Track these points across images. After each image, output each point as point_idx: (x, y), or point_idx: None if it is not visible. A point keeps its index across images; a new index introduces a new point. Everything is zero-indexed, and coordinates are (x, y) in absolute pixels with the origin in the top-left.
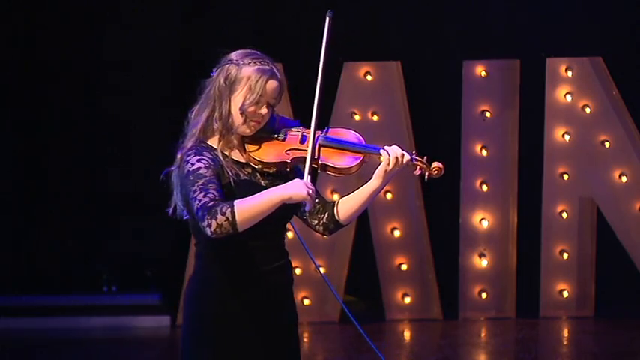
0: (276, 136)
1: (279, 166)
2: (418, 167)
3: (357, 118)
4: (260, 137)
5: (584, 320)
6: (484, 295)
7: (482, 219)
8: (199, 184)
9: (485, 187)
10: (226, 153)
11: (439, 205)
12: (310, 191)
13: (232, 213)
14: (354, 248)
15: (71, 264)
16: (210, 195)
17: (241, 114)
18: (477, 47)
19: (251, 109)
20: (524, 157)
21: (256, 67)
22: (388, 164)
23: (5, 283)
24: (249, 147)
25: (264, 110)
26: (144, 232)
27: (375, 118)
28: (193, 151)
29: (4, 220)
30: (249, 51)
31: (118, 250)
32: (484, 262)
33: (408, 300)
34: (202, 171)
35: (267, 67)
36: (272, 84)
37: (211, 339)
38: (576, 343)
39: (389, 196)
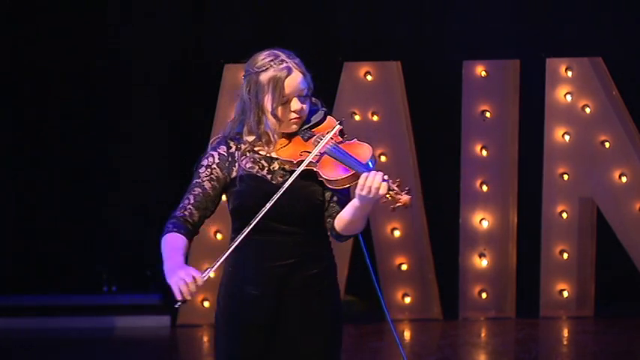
0: (302, 135)
1: (290, 165)
2: (389, 199)
3: (357, 118)
4: (294, 134)
5: (584, 320)
6: (484, 295)
7: (482, 219)
8: (192, 182)
9: (485, 187)
10: (255, 148)
11: (439, 205)
12: (182, 283)
13: (162, 237)
14: (354, 248)
15: (71, 264)
16: (185, 201)
17: (274, 117)
18: (477, 47)
19: (280, 110)
20: (524, 157)
21: (272, 69)
22: (361, 189)
23: (5, 283)
24: (280, 141)
25: (296, 106)
26: (144, 232)
27: (375, 118)
28: (215, 142)
29: (4, 220)
30: (265, 53)
31: (118, 250)
32: (484, 262)
33: (408, 300)
34: (201, 170)
35: (283, 66)
36: (291, 80)
37: (221, 326)
38: (576, 343)
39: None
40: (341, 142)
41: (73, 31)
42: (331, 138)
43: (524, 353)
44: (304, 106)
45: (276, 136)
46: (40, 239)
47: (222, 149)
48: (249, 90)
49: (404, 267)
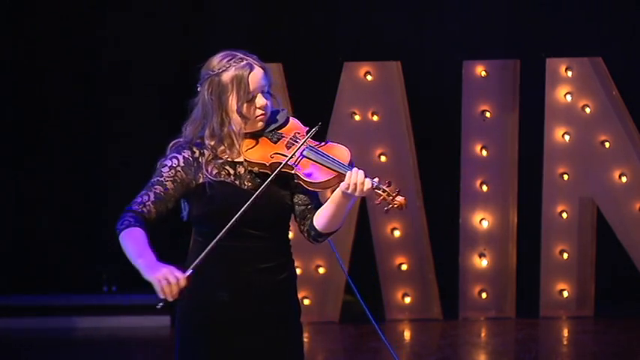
0: (270, 136)
1: (260, 167)
2: (380, 197)
3: (357, 118)
4: (259, 135)
5: (584, 320)
6: (484, 295)
7: (482, 219)
8: (151, 180)
9: (485, 187)
10: (217, 153)
11: (439, 205)
12: (164, 282)
13: (121, 231)
14: (354, 248)
15: (71, 264)
16: (144, 197)
17: (240, 116)
18: (477, 47)
19: (246, 107)
20: (524, 157)
21: (233, 67)
22: (347, 187)
23: (5, 283)
24: (245, 142)
25: (261, 102)
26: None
27: (375, 118)
28: (177, 146)
29: (4, 220)
30: (222, 55)
31: (118, 250)
32: (484, 262)
33: (408, 300)
34: (164, 170)
35: (243, 63)
36: (254, 76)
37: (185, 331)
38: (576, 343)
39: None
40: (317, 144)
41: (73, 32)
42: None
43: (524, 353)
44: (268, 102)
45: (239, 137)
46: (40, 239)
47: (187, 153)
48: (210, 92)
49: (404, 267)
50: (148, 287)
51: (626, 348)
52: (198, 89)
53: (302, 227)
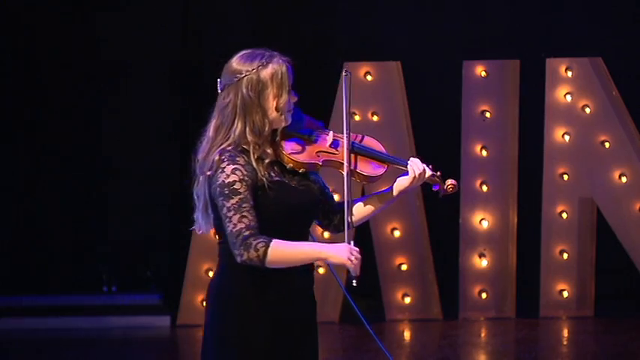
0: (307, 136)
1: (310, 167)
2: (436, 183)
3: (357, 118)
4: (292, 135)
5: (584, 320)
6: (484, 295)
7: (482, 219)
8: (233, 202)
9: (485, 187)
10: (262, 155)
11: (439, 205)
12: (353, 258)
13: (265, 253)
14: None
15: (71, 264)
16: (245, 220)
17: (279, 112)
18: (477, 47)
19: (285, 102)
20: (524, 157)
21: (271, 64)
22: (413, 179)
23: (5, 283)
24: (282, 145)
25: (294, 97)
26: (144, 232)
27: (375, 118)
28: (227, 155)
29: (4, 220)
30: (246, 54)
31: (118, 250)
32: (484, 262)
33: (408, 300)
34: (237, 186)
35: (278, 58)
36: (289, 69)
37: (234, 339)
38: (576, 343)
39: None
40: (357, 139)
41: (73, 32)
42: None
43: (524, 353)
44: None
45: (278, 133)
46: (40, 239)
47: (242, 160)
48: (250, 89)
49: (404, 267)
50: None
51: (626, 348)
52: (228, 93)
53: (326, 221)
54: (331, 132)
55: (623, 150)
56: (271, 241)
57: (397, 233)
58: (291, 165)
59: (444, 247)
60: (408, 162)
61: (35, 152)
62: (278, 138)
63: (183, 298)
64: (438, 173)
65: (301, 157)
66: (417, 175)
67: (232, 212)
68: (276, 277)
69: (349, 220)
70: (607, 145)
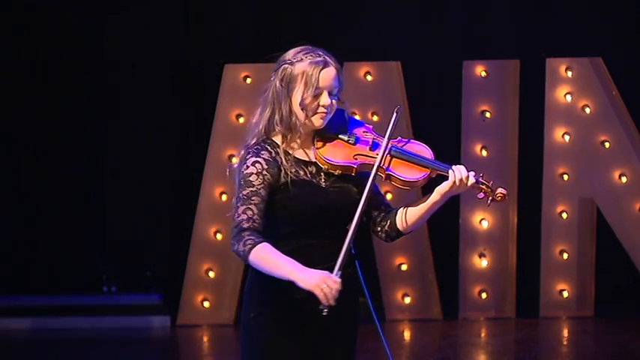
0: (347, 138)
1: (345, 169)
2: (482, 191)
3: (357, 118)
4: (331, 137)
5: (584, 320)
6: (484, 295)
7: (482, 219)
8: (245, 193)
9: None
10: (289, 151)
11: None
12: (325, 287)
13: (249, 251)
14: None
15: (71, 264)
16: (249, 212)
17: (302, 109)
18: (476, 47)
19: (309, 101)
20: (524, 157)
21: (308, 61)
22: (453, 184)
23: (5, 283)
24: (318, 145)
25: (326, 101)
26: (144, 232)
27: (375, 118)
28: (253, 149)
29: (4, 220)
30: (301, 47)
31: (118, 250)
32: (484, 262)
33: (408, 300)
34: (252, 178)
35: (320, 59)
36: (326, 72)
37: (259, 338)
38: (576, 343)
39: (389, 196)
40: (400, 143)
41: (73, 32)
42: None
43: (524, 353)
44: (334, 101)
45: (303, 130)
46: (40, 239)
47: (266, 155)
48: (282, 79)
49: (404, 267)
50: (147, 287)
51: (626, 348)
52: (272, 78)
53: (377, 228)
54: (373, 134)
55: (623, 150)
56: (261, 242)
57: None
58: (327, 167)
59: (444, 247)
60: (451, 168)
61: (35, 152)
62: (316, 139)
63: (183, 298)
64: (490, 182)
65: (336, 159)
66: (456, 181)
67: (240, 202)
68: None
69: (350, 243)
70: (607, 145)
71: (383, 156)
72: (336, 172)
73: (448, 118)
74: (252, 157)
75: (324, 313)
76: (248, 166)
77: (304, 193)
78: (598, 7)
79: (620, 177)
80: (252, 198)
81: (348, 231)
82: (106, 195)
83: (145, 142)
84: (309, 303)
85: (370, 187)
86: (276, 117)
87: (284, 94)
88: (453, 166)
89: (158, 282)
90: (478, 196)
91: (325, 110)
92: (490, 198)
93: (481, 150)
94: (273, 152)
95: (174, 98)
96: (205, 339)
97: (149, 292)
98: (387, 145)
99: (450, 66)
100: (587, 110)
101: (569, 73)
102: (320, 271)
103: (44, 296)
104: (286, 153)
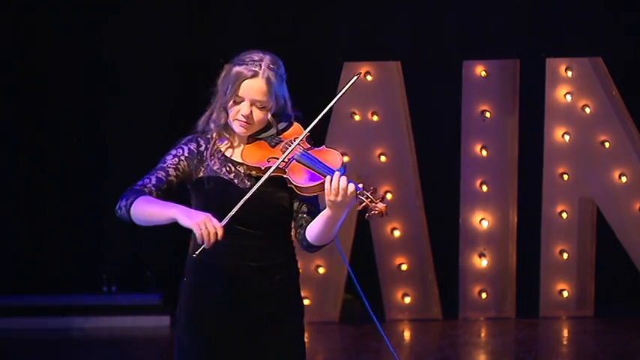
0: (269, 141)
1: (257, 171)
2: (363, 203)
3: (357, 118)
4: (260, 139)
5: (584, 320)
6: (484, 295)
7: (482, 219)
8: (156, 167)
9: (485, 187)
10: (222, 149)
11: (439, 205)
12: (204, 226)
13: (130, 204)
14: (353, 248)
15: (71, 264)
16: (146, 180)
17: (223, 109)
18: (476, 47)
19: (230, 106)
20: (524, 157)
21: (243, 67)
22: (329, 193)
23: (5, 283)
24: (247, 146)
25: (245, 110)
26: (144, 232)
27: (375, 118)
28: (187, 138)
29: (5, 220)
30: (253, 51)
31: (118, 250)
32: (484, 262)
33: (408, 300)
34: (168, 157)
35: (253, 69)
36: (250, 84)
37: (185, 337)
38: (576, 343)
39: (389, 195)
40: (310, 148)
41: (73, 32)
42: (300, 144)
43: (524, 353)
44: (255, 115)
45: (228, 134)
46: (40, 239)
47: (193, 146)
48: (221, 78)
49: (404, 267)
50: (147, 287)
51: (626, 348)
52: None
53: (297, 235)
54: (297, 139)
55: (623, 150)
56: (137, 197)
57: (397, 233)
58: (244, 167)
59: (444, 247)
60: (331, 175)
61: (35, 152)
62: (249, 140)
63: None
64: (375, 196)
65: (250, 160)
66: (331, 189)
67: (150, 171)
68: (217, 275)
69: (229, 219)
70: (607, 145)
71: (283, 158)
72: (253, 173)
73: (448, 118)
74: (180, 144)
75: (194, 255)
76: (172, 150)
77: (218, 190)
78: (598, 7)
79: (620, 177)
80: (158, 172)
81: (269, 231)
82: (106, 195)
83: (145, 142)
84: (227, 303)
85: (265, 184)
86: (214, 114)
87: (218, 94)
88: (333, 175)
89: (158, 282)
90: (357, 208)
91: (244, 120)
92: (370, 212)
93: (481, 150)
94: (203, 146)
95: (175, 98)
96: None
97: (149, 292)
98: (293, 148)
99: (450, 66)
100: (587, 110)
101: (569, 73)
102: (205, 213)
103: (44, 296)
104: (217, 150)
